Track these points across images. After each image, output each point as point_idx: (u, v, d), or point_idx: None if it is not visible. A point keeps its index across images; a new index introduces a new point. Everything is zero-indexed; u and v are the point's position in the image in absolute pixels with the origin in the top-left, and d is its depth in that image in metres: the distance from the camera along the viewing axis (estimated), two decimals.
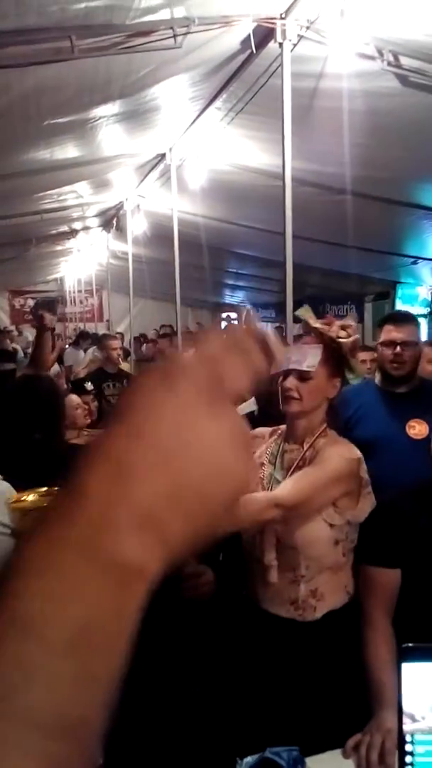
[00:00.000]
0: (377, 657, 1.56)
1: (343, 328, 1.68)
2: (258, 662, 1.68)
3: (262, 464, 1.71)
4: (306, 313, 1.76)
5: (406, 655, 1.15)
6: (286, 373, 1.66)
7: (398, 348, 2.37)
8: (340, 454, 1.64)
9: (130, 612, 0.31)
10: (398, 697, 1.14)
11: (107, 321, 12.07)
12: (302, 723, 1.57)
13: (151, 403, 0.33)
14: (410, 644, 1.17)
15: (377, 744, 1.37)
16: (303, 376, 1.64)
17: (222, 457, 0.34)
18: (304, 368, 1.63)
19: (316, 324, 1.71)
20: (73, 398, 3.22)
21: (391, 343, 2.38)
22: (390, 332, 2.42)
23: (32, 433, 2.05)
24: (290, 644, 1.64)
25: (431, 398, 2.41)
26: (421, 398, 2.41)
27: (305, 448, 1.67)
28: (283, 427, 1.80)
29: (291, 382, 1.64)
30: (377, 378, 2.54)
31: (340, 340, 1.66)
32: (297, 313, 1.84)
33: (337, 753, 1.41)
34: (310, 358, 1.63)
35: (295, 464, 1.66)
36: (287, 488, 1.58)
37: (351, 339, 1.69)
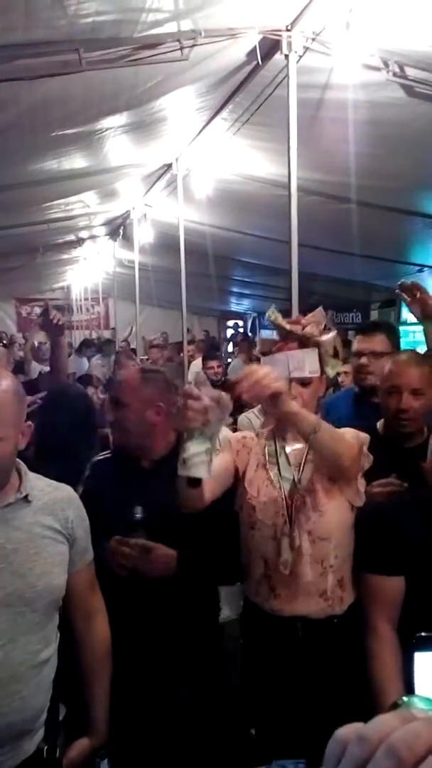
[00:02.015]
0: (383, 668, 1.55)
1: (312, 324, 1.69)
2: (268, 669, 1.67)
3: (264, 466, 1.71)
4: (273, 315, 1.75)
5: (419, 644, 1.15)
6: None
7: (363, 359, 2.34)
8: (351, 434, 1.66)
9: None
10: (411, 687, 1.13)
11: (113, 329, 12.10)
12: (310, 734, 1.57)
13: None
14: (423, 633, 1.17)
15: None
16: (304, 382, 1.65)
17: None
18: (308, 375, 1.64)
19: (287, 326, 1.71)
20: None
21: (359, 354, 2.36)
22: (360, 342, 2.40)
23: (69, 443, 2.04)
24: (314, 644, 1.63)
25: None
26: None
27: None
28: (267, 428, 1.81)
29: (298, 390, 1.65)
30: (356, 388, 2.50)
31: (323, 339, 1.68)
32: (266, 316, 1.81)
33: None
34: (308, 363, 1.64)
35: (304, 459, 1.67)
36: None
37: (331, 336, 1.71)
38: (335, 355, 1.71)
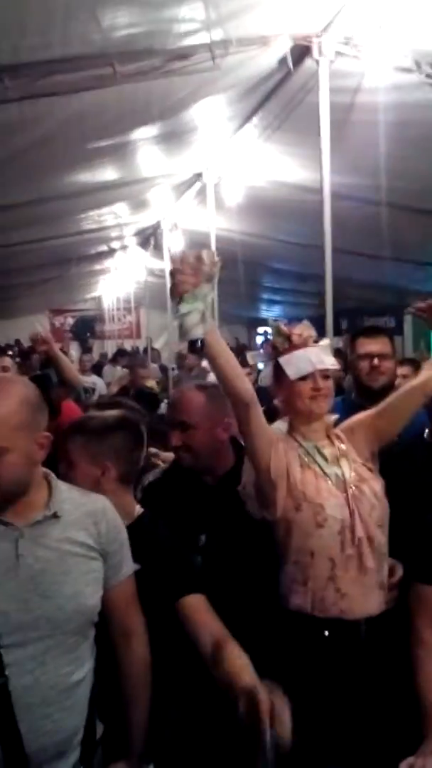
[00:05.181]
0: (429, 678, 1.52)
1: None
2: (317, 680, 1.63)
3: (307, 466, 1.69)
4: (276, 326, 1.81)
5: None
6: (308, 375, 1.68)
7: (375, 360, 2.33)
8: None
9: None
10: None
11: (149, 338, 12.20)
12: (354, 742, 1.54)
13: None
14: None
15: None
16: (326, 375, 1.71)
17: None
18: (330, 366, 1.71)
19: (295, 334, 1.75)
20: None
21: (368, 356, 2.34)
22: (366, 345, 2.38)
23: None
24: (375, 644, 1.62)
25: None
26: None
27: (333, 440, 1.74)
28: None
29: (324, 382, 1.70)
30: (353, 394, 2.45)
31: (321, 344, 1.76)
32: (272, 329, 1.86)
33: None
34: (327, 357, 1.71)
35: (339, 454, 1.71)
36: None
37: (327, 341, 1.86)
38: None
